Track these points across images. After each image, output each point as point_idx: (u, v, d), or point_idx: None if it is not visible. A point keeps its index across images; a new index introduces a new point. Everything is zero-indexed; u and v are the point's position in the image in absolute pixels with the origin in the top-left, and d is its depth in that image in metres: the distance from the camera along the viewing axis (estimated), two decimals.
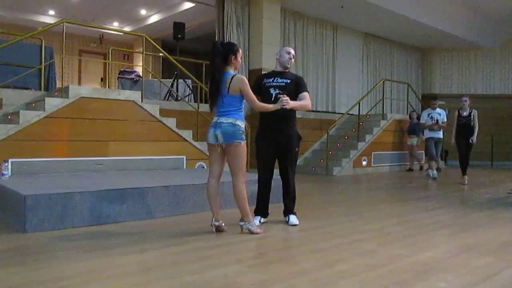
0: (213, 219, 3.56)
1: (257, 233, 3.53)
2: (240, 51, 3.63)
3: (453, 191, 6.95)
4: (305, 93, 3.92)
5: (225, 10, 9.66)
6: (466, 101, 7.84)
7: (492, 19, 13.02)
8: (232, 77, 3.47)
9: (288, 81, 3.90)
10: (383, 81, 11.81)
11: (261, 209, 4.00)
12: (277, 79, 3.92)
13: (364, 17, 11.45)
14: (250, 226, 3.56)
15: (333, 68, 12.06)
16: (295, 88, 3.90)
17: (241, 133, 3.47)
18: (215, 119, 3.54)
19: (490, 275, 2.55)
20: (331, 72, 12.01)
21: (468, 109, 7.81)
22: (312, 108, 11.37)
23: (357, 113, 10.80)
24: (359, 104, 10.78)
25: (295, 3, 10.41)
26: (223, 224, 3.59)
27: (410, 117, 11.10)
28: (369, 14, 11.14)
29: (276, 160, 4.02)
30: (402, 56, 14.44)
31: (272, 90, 3.86)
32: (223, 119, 3.47)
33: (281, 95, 3.68)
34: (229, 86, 3.45)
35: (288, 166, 3.99)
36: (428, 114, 9.16)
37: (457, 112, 7.96)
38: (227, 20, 9.66)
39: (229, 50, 3.52)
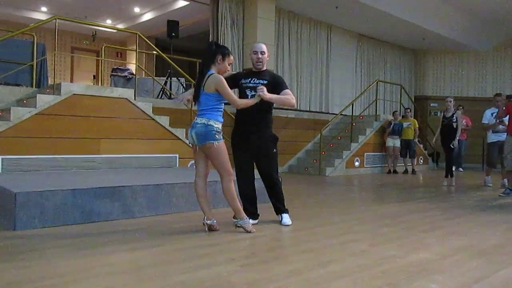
0: (205, 218, 3.54)
1: (249, 232, 3.52)
2: (232, 57, 3.58)
3: (445, 193, 6.99)
4: (286, 90, 3.81)
5: (219, 9, 9.64)
6: (451, 101, 7.83)
7: (485, 21, 13.11)
8: (210, 75, 3.42)
9: (265, 81, 3.75)
10: (377, 82, 11.85)
11: (248, 213, 3.80)
12: (254, 80, 3.80)
13: (358, 18, 11.48)
14: (243, 223, 3.56)
15: (327, 68, 12.08)
16: (273, 89, 3.73)
17: (214, 134, 3.41)
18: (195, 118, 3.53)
19: (482, 277, 2.55)
20: (325, 72, 12.02)
21: (453, 109, 7.82)
22: (306, 108, 11.41)
23: (350, 114, 10.83)
24: (353, 104, 10.81)
25: (290, 2, 10.41)
26: (215, 222, 3.57)
27: (393, 117, 10.99)
28: (363, 15, 11.17)
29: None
30: (395, 58, 14.50)
31: (248, 92, 3.75)
32: (198, 119, 3.45)
33: (259, 88, 3.59)
34: (204, 84, 3.42)
35: (268, 169, 3.89)
36: (492, 114, 7.79)
37: (442, 114, 7.98)
38: (222, 18, 9.63)
39: (218, 51, 3.49)
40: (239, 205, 3.58)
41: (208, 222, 3.53)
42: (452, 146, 7.62)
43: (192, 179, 3.70)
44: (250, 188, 3.93)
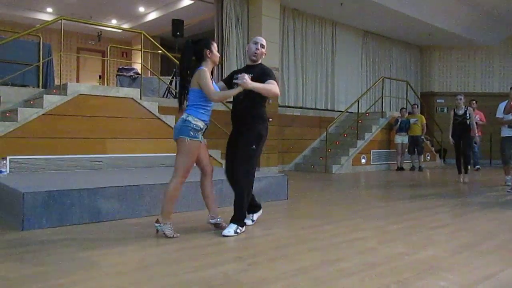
0: (209, 216, 3.57)
1: (172, 237, 3.28)
2: (215, 45, 3.47)
3: (452, 189, 6.95)
4: (270, 80, 3.53)
5: (224, 7, 9.63)
6: (461, 99, 7.81)
7: (491, 16, 12.99)
8: (196, 71, 3.34)
9: (252, 75, 3.52)
10: (382, 79, 11.80)
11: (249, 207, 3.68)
12: (243, 74, 3.52)
13: (363, 14, 11.42)
14: (166, 229, 3.31)
15: (332, 65, 12.04)
16: (258, 80, 3.50)
17: (189, 130, 3.27)
18: None
19: (491, 274, 2.54)
20: (330, 69, 11.98)
21: (464, 107, 7.79)
22: (311, 105, 11.38)
23: (356, 111, 10.79)
24: (358, 102, 10.77)
25: (294, 0, 10.39)
26: (219, 220, 3.58)
27: (400, 114, 10.94)
28: (368, 11, 11.12)
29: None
30: (401, 54, 14.42)
31: (235, 87, 3.48)
32: (184, 115, 3.36)
33: (240, 76, 3.41)
34: (191, 79, 3.37)
35: (237, 162, 3.56)
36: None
37: (452, 111, 7.94)
38: (226, 17, 9.63)
39: (201, 46, 3.40)
40: (170, 209, 3.35)
41: (211, 221, 3.58)
42: (475, 143, 7.61)
43: (197, 178, 3.70)
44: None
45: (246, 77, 3.38)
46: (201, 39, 3.50)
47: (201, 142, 3.40)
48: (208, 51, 3.41)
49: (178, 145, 3.35)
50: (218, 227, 3.55)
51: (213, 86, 3.35)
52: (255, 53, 3.69)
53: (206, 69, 3.36)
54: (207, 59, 3.42)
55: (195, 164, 3.52)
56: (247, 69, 3.72)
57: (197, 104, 3.35)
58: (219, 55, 3.55)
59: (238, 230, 3.45)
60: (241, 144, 3.58)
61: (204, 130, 3.41)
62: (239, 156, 3.56)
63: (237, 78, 3.45)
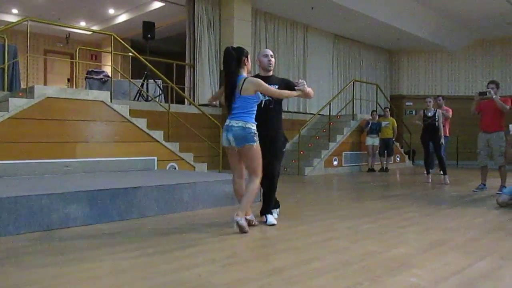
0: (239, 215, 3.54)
1: (244, 230, 3.52)
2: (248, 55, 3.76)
3: (421, 189, 7.12)
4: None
5: (195, 10, 9.60)
6: (430, 102, 8.08)
7: (457, 22, 13.43)
8: (245, 79, 3.55)
9: (277, 86, 3.92)
10: (353, 82, 11.99)
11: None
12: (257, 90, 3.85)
13: (334, 18, 11.60)
14: (239, 220, 3.53)
15: (304, 68, 12.16)
16: (287, 89, 3.94)
17: (252, 136, 3.53)
18: (227, 122, 3.61)
19: (460, 270, 2.61)
20: (302, 72, 12.10)
21: (433, 109, 8.04)
22: (284, 108, 11.42)
23: (328, 114, 10.93)
24: (330, 104, 10.90)
25: (266, 3, 10.46)
26: (253, 217, 3.78)
27: (371, 116, 11.12)
28: (339, 15, 11.30)
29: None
30: (371, 57, 14.71)
31: (261, 96, 3.76)
32: (234, 123, 3.54)
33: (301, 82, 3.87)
34: (241, 88, 3.53)
35: (273, 160, 4.01)
36: None
37: (422, 112, 8.17)
38: (198, 20, 9.60)
39: (241, 54, 3.63)
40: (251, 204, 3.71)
41: (248, 217, 3.67)
42: (441, 144, 7.86)
43: (170, 181, 3.69)
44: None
45: (305, 83, 3.89)
46: (239, 47, 3.76)
47: None
48: (245, 59, 3.65)
49: (246, 152, 3.57)
50: (251, 224, 3.71)
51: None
52: (270, 64, 4.04)
53: (254, 77, 3.65)
54: (244, 67, 3.64)
55: (169, 167, 3.55)
56: (264, 79, 3.85)
57: (250, 111, 3.57)
58: (250, 65, 3.79)
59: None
60: (275, 145, 3.99)
61: None
62: (275, 155, 3.98)
63: (297, 84, 3.92)
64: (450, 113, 9.51)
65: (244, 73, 3.66)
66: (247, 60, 3.69)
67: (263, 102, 3.89)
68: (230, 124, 3.56)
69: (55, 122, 5.84)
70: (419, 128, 8.39)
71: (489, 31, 13.98)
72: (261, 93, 3.63)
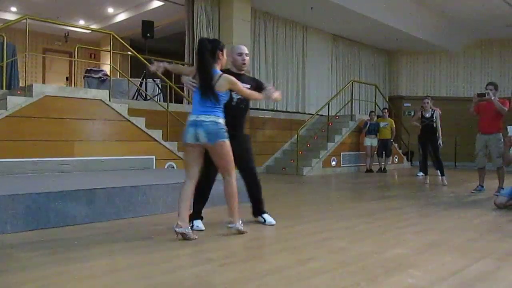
0: (177, 225, 3.24)
1: (244, 232, 3.47)
2: (226, 49, 3.54)
3: (419, 190, 7.13)
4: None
5: (194, 10, 9.59)
6: (427, 102, 8.05)
7: (456, 23, 13.44)
8: (220, 75, 3.36)
9: (249, 86, 3.78)
10: (352, 83, 12.00)
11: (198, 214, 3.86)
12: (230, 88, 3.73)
13: (333, 19, 11.60)
14: (238, 227, 3.46)
15: (303, 68, 12.16)
16: (257, 90, 3.81)
17: (224, 131, 3.35)
18: (193, 117, 3.34)
19: (457, 271, 2.61)
20: (300, 72, 12.10)
21: (431, 110, 8.03)
22: (282, 108, 11.47)
23: (327, 114, 10.93)
24: (328, 105, 10.91)
25: (266, 3, 10.45)
26: (189, 231, 3.29)
27: (369, 117, 11.12)
28: (338, 16, 11.30)
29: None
30: (369, 58, 14.72)
31: (234, 95, 3.67)
32: (204, 117, 3.30)
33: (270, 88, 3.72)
34: (215, 84, 3.32)
35: (250, 161, 4.04)
36: None
37: (420, 112, 8.18)
38: (197, 19, 9.59)
39: (216, 47, 3.42)
40: (237, 205, 3.50)
41: (180, 230, 3.24)
42: (439, 145, 7.86)
43: (169, 180, 3.67)
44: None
45: (271, 88, 3.70)
46: (216, 39, 3.59)
47: None
48: (220, 53, 3.44)
49: (217, 149, 3.34)
50: (185, 237, 3.26)
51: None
52: (244, 63, 3.85)
53: (228, 75, 3.42)
54: (217, 61, 3.43)
55: (168, 166, 3.45)
56: (237, 77, 3.73)
57: (218, 106, 3.37)
58: (226, 60, 3.59)
59: None
60: (247, 146, 3.96)
61: None
62: (249, 156, 3.97)
63: (265, 88, 3.76)
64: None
65: (218, 68, 3.43)
66: (222, 54, 3.46)
67: (235, 100, 3.74)
68: (199, 119, 3.29)
69: (54, 121, 5.83)
70: (417, 129, 8.40)
71: (488, 33, 14.00)
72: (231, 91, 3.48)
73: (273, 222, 3.94)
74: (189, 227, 3.34)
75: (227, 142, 3.36)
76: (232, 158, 3.43)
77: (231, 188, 3.45)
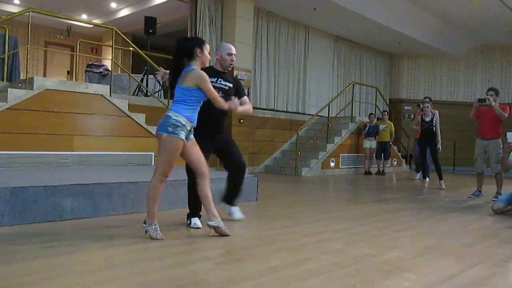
0: (208, 218, 3.28)
1: (156, 239, 3.18)
2: (207, 45, 3.44)
3: (417, 194, 7.14)
4: (246, 98, 3.91)
5: (198, 7, 9.58)
6: (428, 106, 8.05)
7: (458, 28, 13.45)
8: (190, 70, 3.26)
9: (231, 85, 3.80)
10: (353, 84, 12.00)
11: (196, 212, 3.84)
12: (221, 81, 3.77)
13: (335, 20, 11.60)
14: (151, 231, 3.22)
15: (304, 69, 12.17)
16: (235, 93, 3.81)
17: (168, 125, 3.14)
18: None
19: (452, 275, 2.61)
20: (302, 73, 12.11)
21: (431, 114, 8.03)
22: (283, 108, 11.48)
23: (327, 115, 10.93)
24: (329, 106, 10.92)
25: (269, 3, 10.45)
26: (220, 224, 3.30)
27: (369, 119, 11.14)
28: (341, 17, 11.30)
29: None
30: (371, 60, 14.72)
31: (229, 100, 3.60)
32: (167, 111, 3.27)
33: (234, 103, 3.54)
34: (184, 78, 3.25)
35: (239, 155, 4.08)
36: None
37: (419, 117, 8.18)
38: (200, 17, 9.59)
39: (192, 44, 3.33)
40: (152, 208, 3.25)
41: (211, 223, 3.26)
42: (438, 149, 7.86)
43: (168, 177, 3.64)
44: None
45: (238, 103, 3.56)
46: (194, 37, 3.52)
47: (184, 140, 3.22)
48: (199, 50, 3.32)
49: (158, 142, 3.23)
50: (218, 232, 3.29)
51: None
52: (232, 64, 3.85)
53: (201, 71, 3.28)
54: (197, 59, 3.32)
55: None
56: (219, 74, 3.80)
57: (182, 100, 3.24)
58: (209, 58, 3.46)
59: None
60: (229, 138, 4.07)
61: (189, 128, 3.26)
62: (235, 146, 4.00)
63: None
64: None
65: (196, 65, 3.30)
66: (201, 51, 3.31)
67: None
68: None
69: (54, 114, 5.83)
70: (416, 132, 8.41)
71: (490, 38, 14.01)
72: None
73: (243, 217, 3.97)
74: (220, 222, 3.32)
75: (164, 137, 3.16)
76: (170, 159, 3.21)
77: (151, 187, 3.25)
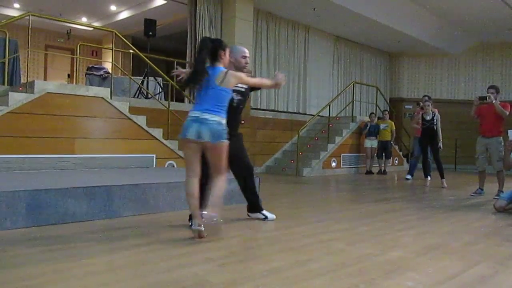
0: (193, 222, 3.28)
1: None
2: (228, 50, 3.53)
3: (419, 193, 7.13)
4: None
5: (197, 9, 9.60)
6: (428, 105, 8.04)
7: (458, 26, 13.44)
8: (226, 72, 3.36)
9: (246, 86, 3.85)
10: (353, 84, 12.00)
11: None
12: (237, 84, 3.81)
13: (335, 20, 11.61)
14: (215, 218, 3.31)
15: (305, 69, 12.17)
16: (251, 90, 4.04)
17: (226, 133, 3.33)
18: (196, 113, 3.27)
19: (455, 274, 2.61)
20: (302, 73, 12.11)
21: (431, 113, 8.02)
22: (283, 109, 11.49)
23: (327, 115, 10.93)
24: (329, 106, 10.91)
25: (268, 3, 10.46)
26: (203, 229, 3.26)
27: (370, 119, 11.12)
28: (340, 17, 11.31)
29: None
30: (371, 60, 14.72)
31: (234, 96, 3.68)
32: (208, 116, 3.25)
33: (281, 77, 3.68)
34: (222, 80, 3.30)
35: (248, 160, 4.13)
36: None
37: (420, 116, 8.17)
38: (200, 18, 9.60)
39: (219, 46, 3.42)
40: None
41: (198, 227, 3.24)
42: (439, 148, 7.85)
43: (169, 179, 3.66)
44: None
45: (280, 76, 3.67)
46: (218, 39, 3.58)
47: None
48: (223, 53, 3.42)
49: (218, 149, 3.31)
50: (201, 236, 3.28)
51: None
52: (246, 66, 3.93)
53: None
54: (220, 60, 3.41)
55: (168, 165, 3.41)
56: None
57: (224, 106, 3.35)
58: (229, 60, 3.57)
59: None
60: (240, 143, 3.98)
61: None
62: (245, 152, 4.04)
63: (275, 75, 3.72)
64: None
65: (221, 66, 3.42)
66: (225, 53, 3.44)
67: (235, 102, 3.75)
68: (203, 117, 3.24)
69: (55, 118, 5.84)
70: (417, 130, 8.40)
71: (490, 36, 14.01)
72: (245, 86, 3.53)
73: (274, 217, 4.01)
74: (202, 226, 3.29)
75: (226, 144, 3.35)
76: (226, 160, 3.41)
77: (223, 182, 3.39)
